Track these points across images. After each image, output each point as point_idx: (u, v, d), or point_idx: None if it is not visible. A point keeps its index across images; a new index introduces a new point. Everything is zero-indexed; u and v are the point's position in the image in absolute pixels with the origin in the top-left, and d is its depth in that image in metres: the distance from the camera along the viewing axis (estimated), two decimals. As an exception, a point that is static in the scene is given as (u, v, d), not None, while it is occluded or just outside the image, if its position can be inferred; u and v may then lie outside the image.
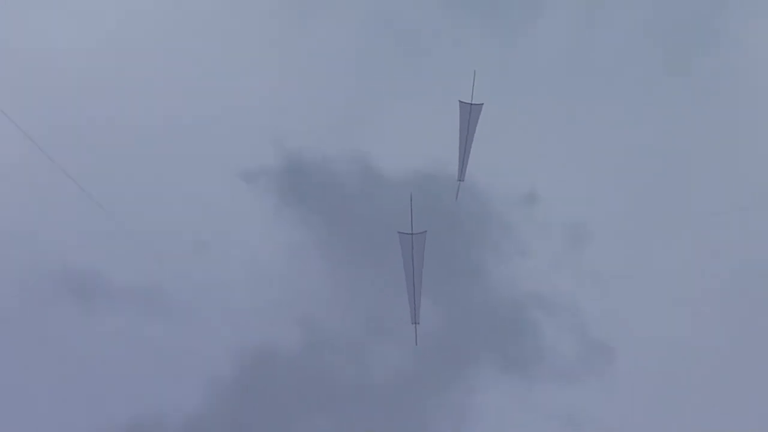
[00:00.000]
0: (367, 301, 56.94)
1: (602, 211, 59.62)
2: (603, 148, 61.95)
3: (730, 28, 64.44)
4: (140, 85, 61.83)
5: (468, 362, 56.94)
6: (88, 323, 55.26)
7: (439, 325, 57.24)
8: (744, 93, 63.09)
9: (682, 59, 63.95)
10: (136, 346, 55.15)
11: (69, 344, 54.36)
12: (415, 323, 50.57)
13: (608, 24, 66.02)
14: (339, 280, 57.32)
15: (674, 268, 58.10)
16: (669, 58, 64.05)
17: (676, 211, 59.93)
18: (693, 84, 62.99)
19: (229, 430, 54.40)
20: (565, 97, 63.78)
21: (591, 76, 64.44)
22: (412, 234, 49.65)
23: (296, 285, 57.36)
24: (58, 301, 55.76)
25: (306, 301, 57.10)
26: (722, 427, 52.19)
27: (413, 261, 49.12)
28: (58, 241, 57.05)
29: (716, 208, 58.75)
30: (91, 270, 56.57)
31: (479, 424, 55.40)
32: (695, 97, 62.66)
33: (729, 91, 62.99)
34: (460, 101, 52.88)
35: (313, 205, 60.01)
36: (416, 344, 51.50)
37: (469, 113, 51.78)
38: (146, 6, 63.43)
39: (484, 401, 55.88)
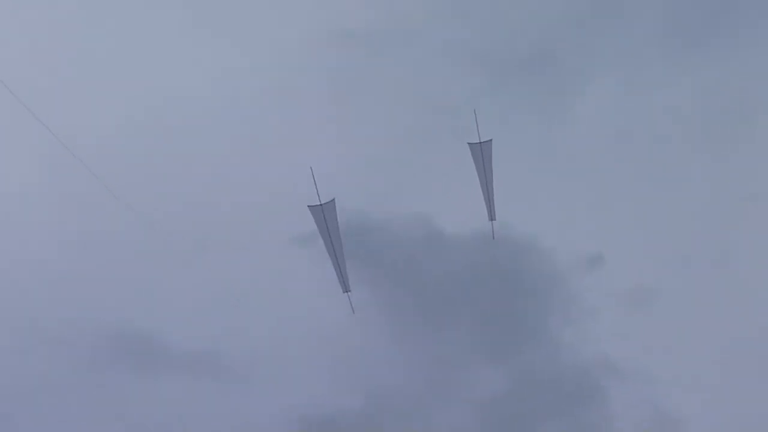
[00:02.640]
0: (431, 363, 55.71)
1: (667, 273, 58.60)
2: (665, 212, 61.39)
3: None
4: (197, 146, 62.00)
5: (534, 428, 55.26)
6: (145, 387, 54.28)
7: (503, 389, 55.86)
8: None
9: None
10: (192, 411, 54.07)
11: (125, 407, 53.44)
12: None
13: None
14: (402, 343, 56.12)
15: (744, 329, 56.50)
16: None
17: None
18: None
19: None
20: (627, 164, 63.53)
21: (650, 144, 64.21)
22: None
23: (358, 349, 56.14)
24: (115, 365, 54.99)
25: (368, 365, 55.92)
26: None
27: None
28: (117, 306, 56.57)
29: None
30: (149, 334, 55.86)
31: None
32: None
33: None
34: (469, 143, 51.31)
35: (374, 266, 59.13)
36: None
37: (481, 151, 50.89)
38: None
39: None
